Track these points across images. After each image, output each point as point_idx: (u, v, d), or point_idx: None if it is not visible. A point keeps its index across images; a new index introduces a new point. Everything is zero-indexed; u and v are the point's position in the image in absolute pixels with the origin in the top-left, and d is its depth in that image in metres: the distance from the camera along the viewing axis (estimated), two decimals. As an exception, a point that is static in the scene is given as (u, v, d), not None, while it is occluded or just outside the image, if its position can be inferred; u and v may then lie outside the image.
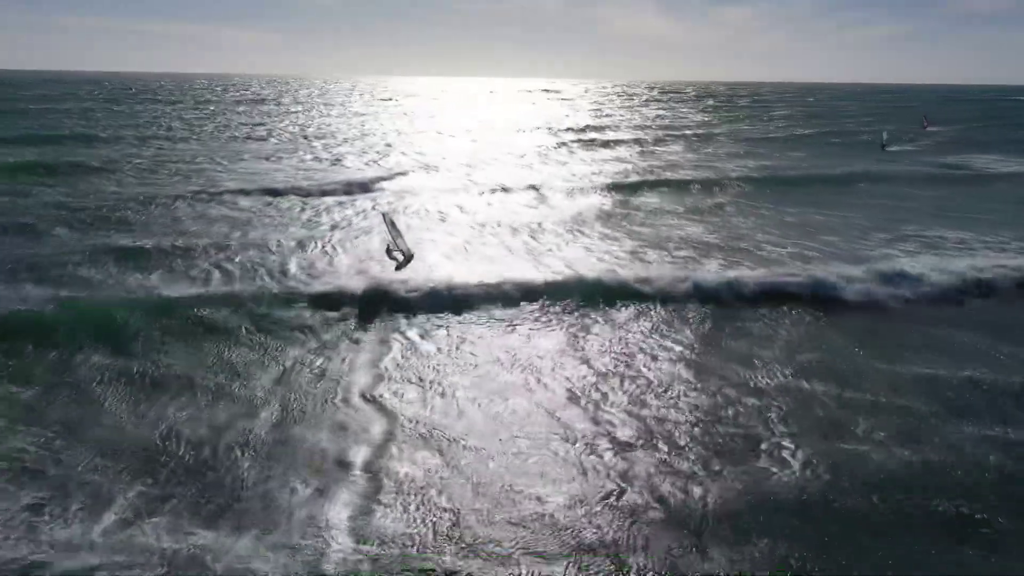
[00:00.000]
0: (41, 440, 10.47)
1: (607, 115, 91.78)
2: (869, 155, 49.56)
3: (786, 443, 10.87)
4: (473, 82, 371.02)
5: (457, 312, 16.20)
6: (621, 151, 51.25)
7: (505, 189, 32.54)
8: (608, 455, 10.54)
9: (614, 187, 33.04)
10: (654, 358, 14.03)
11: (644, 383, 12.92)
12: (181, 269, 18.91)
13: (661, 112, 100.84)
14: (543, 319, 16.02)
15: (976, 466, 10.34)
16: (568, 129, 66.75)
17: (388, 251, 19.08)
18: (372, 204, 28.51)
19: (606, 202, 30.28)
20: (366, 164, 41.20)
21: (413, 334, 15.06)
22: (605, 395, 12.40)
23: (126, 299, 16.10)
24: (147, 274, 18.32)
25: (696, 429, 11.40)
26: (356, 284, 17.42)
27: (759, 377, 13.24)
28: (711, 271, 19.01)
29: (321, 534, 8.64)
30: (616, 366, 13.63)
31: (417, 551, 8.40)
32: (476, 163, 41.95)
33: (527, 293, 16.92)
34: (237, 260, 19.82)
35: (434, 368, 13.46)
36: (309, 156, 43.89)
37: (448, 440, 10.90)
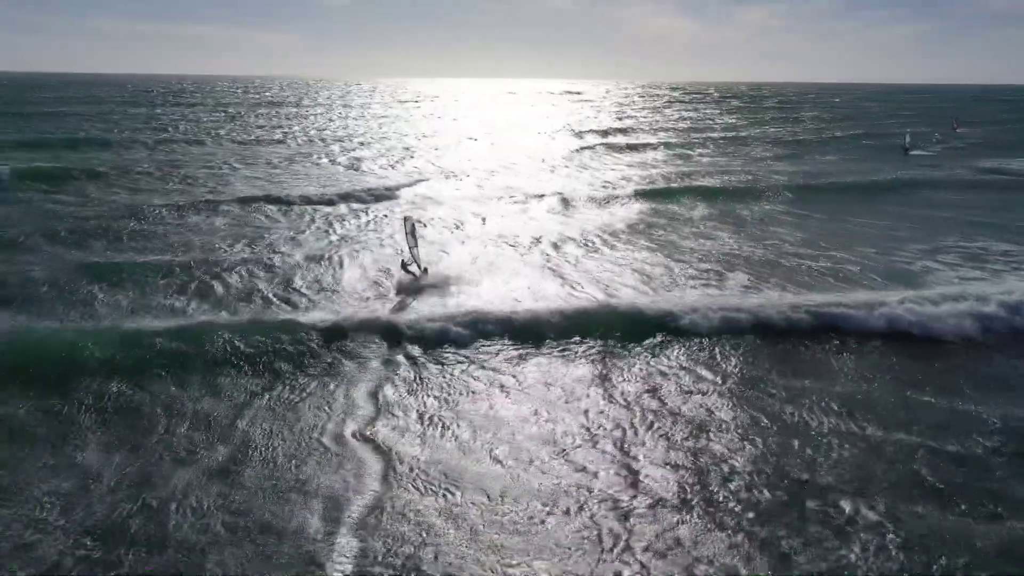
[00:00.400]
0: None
1: (630, 117, 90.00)
2: (892, 159, 47.68)
3: (874, 516, 9.06)
4: (493, 84, 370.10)
5: (466, 345, 14.30)
6: (648, 155, 49.52)
7: (530, 196, 30.90)
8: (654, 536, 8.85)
9: (644, 194, 31.27)
10: (700, 406, 12.07)
11: (685, 436, 11.09)
12: (162, 292, 17.19)
13: (685, 113, 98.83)
14: (569, 356, 14.07)
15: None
16: (592, 131, 65.04)
17: (403, 264, 18.33)
18: (384, 214, 27.03)
19: (636, 211, 28.51)
20: (384, 169, 39.86)
21: (415, 372, 13.22)
22: (638, 453, 10.59)
23: (89, 330, 14.36)
24: (126, 297, 16.73)
25: (754, 498, 9.57)
26: (359, 312, 15.69)
27: (830, 428, 11.41)
28: (757, 299, 16.97)
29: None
30: (656, 416, 11.69)
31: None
32: (498, 168, 40.44)
33: (551, 325, 15.09)
34: (229, 280, 18.19)
35: (440, 414, 11.63)
36: (325, 160, 42.75)
37: (450, 500, 9.34)
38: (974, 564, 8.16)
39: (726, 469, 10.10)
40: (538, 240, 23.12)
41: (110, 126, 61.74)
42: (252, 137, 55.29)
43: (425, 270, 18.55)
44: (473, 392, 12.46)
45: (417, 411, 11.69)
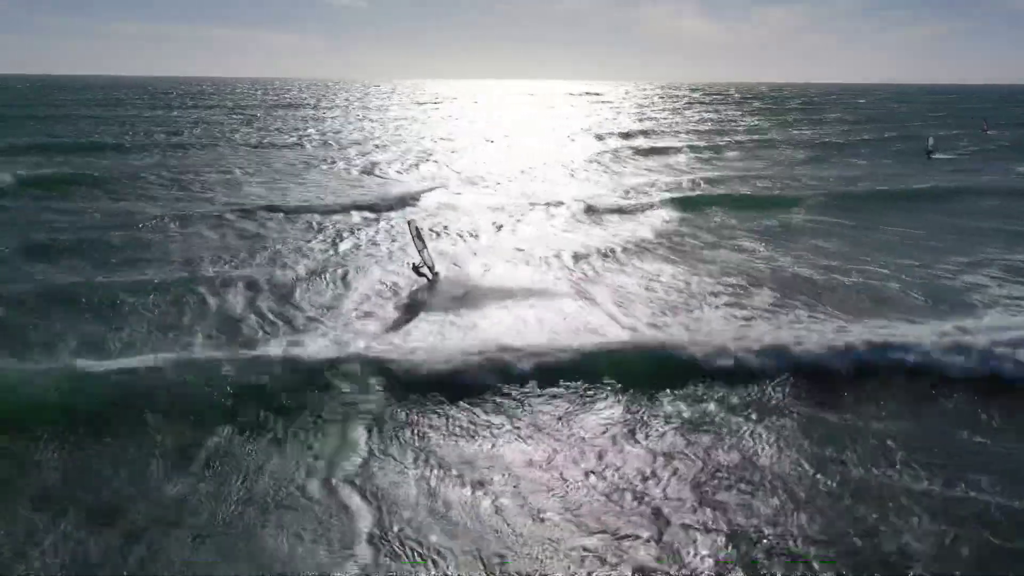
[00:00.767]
0: None
1: (651, 118, 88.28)
2: (915, 163, 45.80)
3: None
4: (512, 85, 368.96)
5: (474, 392, 12.31)
6: (674, 159, 47.85)
7: (551, 203, 29.34)
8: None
9: (670, 202, 29.59)
10: (750, 471, 10.31)
11: (734, 506, 9.47)
12: (135, 319, 15.46)
13: (708, 115, 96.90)
14: (590, 405, 12.15)
15: None
16: (615, 134, 63.36)
17: (415, 268, 17.83)
18: (394, 224, 25.54)
19: (662, 220, 26.89)
20: (399, 174, 38.54)
21: (411, 427, 11.31)
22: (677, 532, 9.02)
23: (40, 370, 12.41)
24: (95, 325, 15.00)
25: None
26: (354, 345, 13.72)
27: (902, 488, 9.83)
28: (811, 330, 14.89)
29: None
30: (698, 487, 9.88)
31: None
32: (518, 173, 38.93)
33: (570, 364, 13.16)
34: (209, 305, 16.44)
35: (436, 481, 9.91)
36: (340, 164, 41.51)
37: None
38: None
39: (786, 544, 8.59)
40: (558, 254, 21.53)
41: (125, 129, 61.14)
42: (267, 141, 54.31)
43: (436, 273, 18.19)
44: (476, 455, 10.60)
45: (412, 479, 9.95)
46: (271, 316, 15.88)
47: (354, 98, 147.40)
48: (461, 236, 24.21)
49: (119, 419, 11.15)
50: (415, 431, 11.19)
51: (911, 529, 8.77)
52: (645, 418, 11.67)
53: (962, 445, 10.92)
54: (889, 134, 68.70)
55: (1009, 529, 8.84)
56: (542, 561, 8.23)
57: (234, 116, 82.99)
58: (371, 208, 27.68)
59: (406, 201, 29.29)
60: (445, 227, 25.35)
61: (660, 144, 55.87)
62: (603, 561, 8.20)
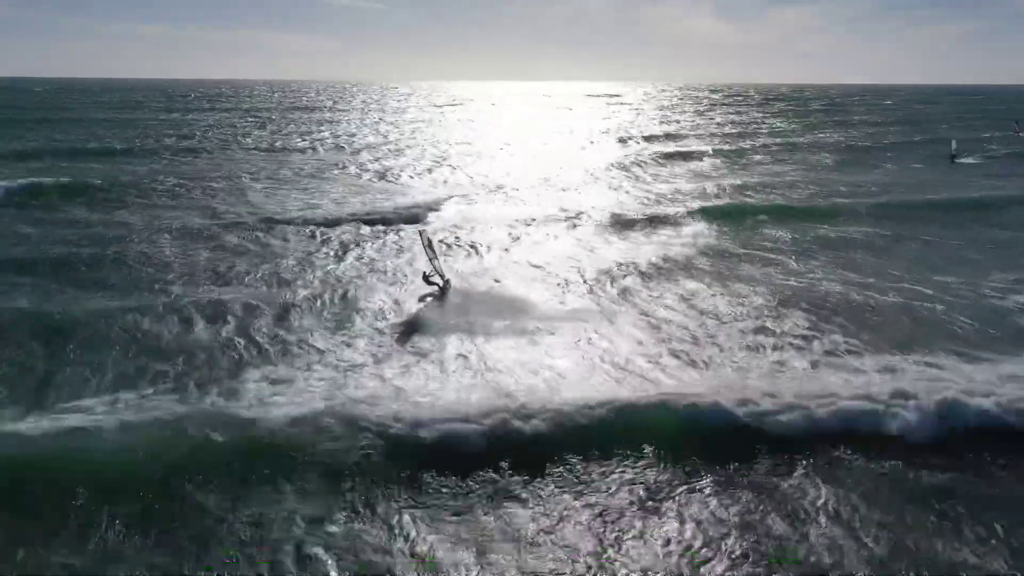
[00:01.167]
0: None
1: (674, 121, 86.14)
2: (939, 168, 43.56)
3: None
4: (529, 86, 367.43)
5: (474, 466, 10.28)
6: (703, 164, 45.75)
7: (575, 215, 27.45)
8: None
9: (701, 214, 27.63)
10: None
11: None
12: (93, 358, 13.52)
13: (732, 117, 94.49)
14: (613, 482, 10.12)
15: None
16: (637, 138, 61.30)
17: (426, 277, 17.50)
18: (400, 239, 23.82)
19: (692, 234, 24.97)
20: (413, 182, 36.80)
21: (396, 512, 9.32)
22: None
23: None
24: (46, 368, 13.17)
25: None
26: (340, 401, 11.59)
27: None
28: (846, 379, 12.84)
29: None
30: None
31: None
32: (539, 180, 37.00)
33: (592, 427, 11.15)
34: (175, 339, 14.53)
35: None
36: (353, 170, 39.92)
37: None
38: None
39: None
40: (581, 272, 19.77)
41: (137, 133, 60.09)
42: (279, 145, 52.92)
43: (447, 281, 17.94)
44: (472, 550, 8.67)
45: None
46: (245, 354, 14.00)
47: (370, 100, 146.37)
48: (477, 251, 22.48)
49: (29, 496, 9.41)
50: (398, 513, 9.30)
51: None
52: (677, 497, 9.81)
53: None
54: (919, 137, 66.14)
55: None
56: None
57: (248, 119, 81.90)
58: (382, 220, 25.81)
59: (418, 216, 27.16)
60: (460, 240, 23.66)
61: (685, 148, 53.82)
62: None
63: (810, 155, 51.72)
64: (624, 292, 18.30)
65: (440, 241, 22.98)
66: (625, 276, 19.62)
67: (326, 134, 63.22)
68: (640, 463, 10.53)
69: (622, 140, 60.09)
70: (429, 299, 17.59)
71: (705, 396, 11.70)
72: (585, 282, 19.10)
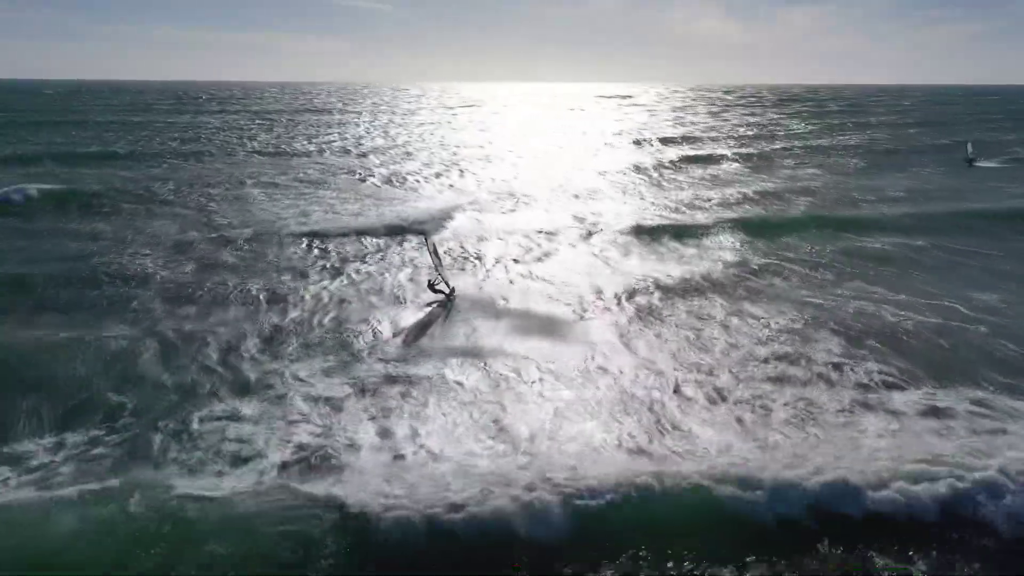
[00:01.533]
0: None
1: (690, 123, 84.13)
2: (956, 172, 41.61)
3: None
4: (540, 87, 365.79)
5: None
6: (724, 169, 43.97)
7: (592, 226, 25.77)
8: None
9: (729, 224, 25.90)
10: None
11: None
12: (36, 402, 11.88)
13: (749, 119, 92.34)
14: None
15: None
16: (655, 140, 59.49)
17: (431, 285, 17.14)
18: (401, 249, 22.54)
19: (719, 248, 23.30)
20: (421, 189, 35.27)
21: None
22: None
23: None
24: None
25: None
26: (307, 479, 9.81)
27: None
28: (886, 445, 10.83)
29: None
30: None
31: None
32: (554, 187, 35.27)
33: (618, 519, 8.99)
34: (128, 389, 12.51)
35: None
36: (358, 176, 38.41)
37: None
38: None
39: None
40: (600, 295, 18.07)
41: (143, 135, 59.11)
42: (286, 148, 51.48)
43: (453, 289, 17.57)
44: None
45: None
46: (209, 398, 12.28)
47: (381, 102, 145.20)
48: (488, 269, 20.83)
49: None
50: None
51: None
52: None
53: None
54: (946, 140, 63.97)
55: None
56: None
57: (257, 121, 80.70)
58: (386, 232, 24.27)
59: (425, 227, 25.15)
60: (468, 252, 22.13)
61: (705, 151, 52.06)
62: None
63: (832, 158, 49.90)
64: (643, 320, 16.65)
65: (446, 252, 21.64)
66: (644, 299, 17.99)
67: (335, 137, 61.83)
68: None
69: (637, 143, 58.36)
70: (435, 307, 16.86)
71: (756, 473, 9.69)
72: (602, 307, 17.36)
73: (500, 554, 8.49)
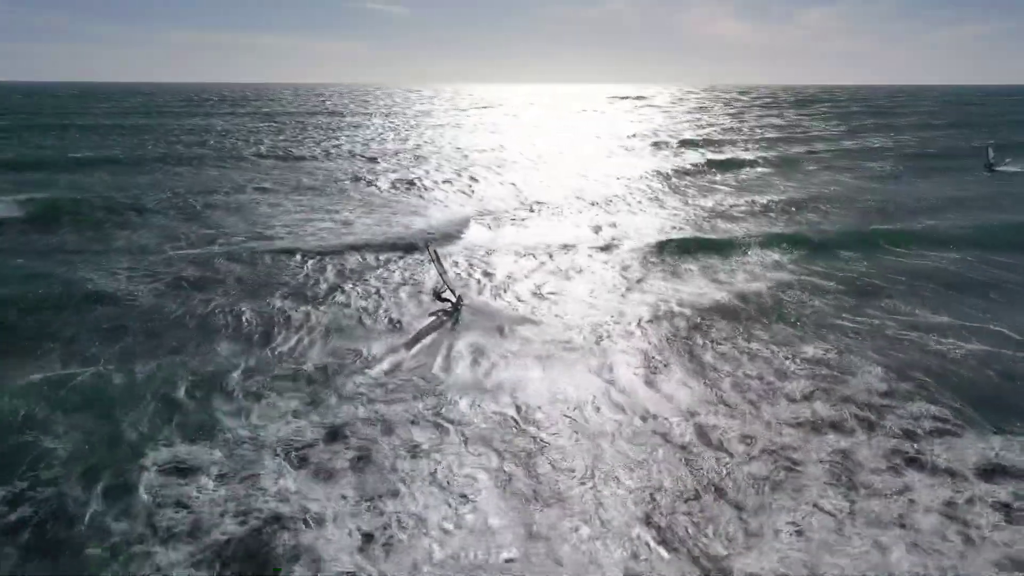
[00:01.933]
0: None
1: (710, 125, 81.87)
2: (975, 177, 39.27)
3: None
4: (554, 88, 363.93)
5: None
6: (753, 174, 41.80)
7: (614, 240, 23.70)
8: None
9: (762, 238, 23.78)
10: None
11: None
12: None
13: (769, 120, 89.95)
14: None
15: None
16: (675, 144, 57.31)
17: (436, 294, 16.78)
18: (406, 264, 20.73)
19: (756, 266, 21.23)
20: (433, 198, 33.37)
21: None
22: None
23: None
24: None
25: None
26: None
27: None
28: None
29: None
30: None
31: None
32: (572, 196, 33.23)
33: None
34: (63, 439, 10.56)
35: None
36: (365, 180, 36.59)
37: None
38: None
39: None
40: (624, 326, 15.97)
41: (149, 139, 57.71)
42: (292, 152, 49.69)
43: (460, 298, 16.90)
44: None
45: None
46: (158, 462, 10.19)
47: (393, 103, 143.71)
48: (498, 285, 18.91)
49: None
50: None
51: None
52: None
53: None
54: (978, 142, 61.51)
55: None
56: None
57: (268, 124, 79.20)
58: (391, 247, 22.22)
59: (433, 241, 22.75)
60: (479, 269, 20.21)
61: (727, 155, 49.83)
62: None
63: (862, 162, 47.59)
64: (664, 344, 14.98)
65: (453, 264, 20.23)
66: (665, 322, 16.31)
67: (344, 140, 60.17)
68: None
69: (656, 146, 56.25)
70: (442, 317, 16.32)
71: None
72: (626, 345, 15.13)
73: None
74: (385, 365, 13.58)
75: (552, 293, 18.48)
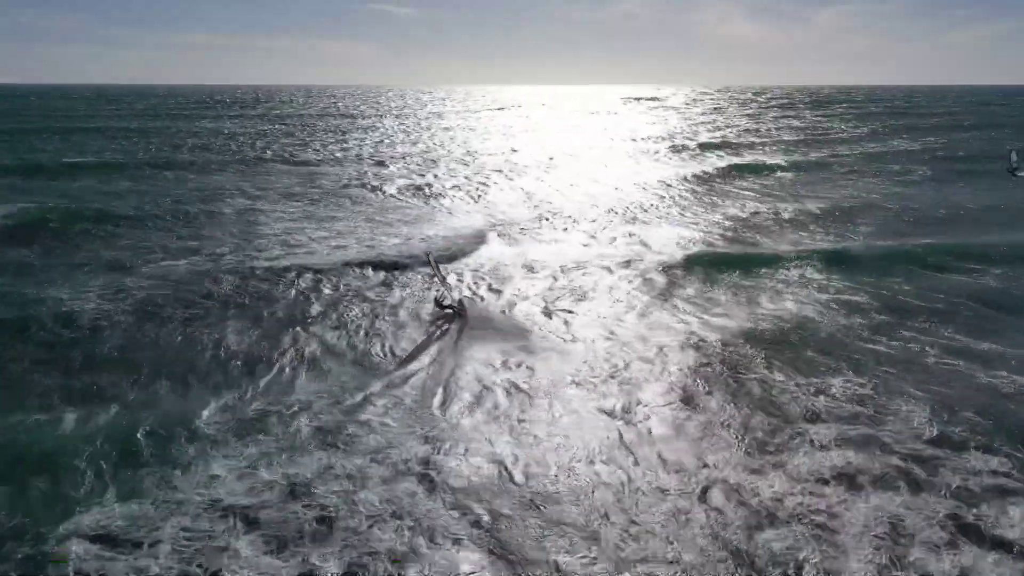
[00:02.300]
0: None
1: (729, 126, 79.96)
2: (998, 184, 37.18)
3: None
4: (566, 90, 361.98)
5: None
6: (776, 179, 39.97)
7: (635, 257, 21.87)
8: None
9: (793, 257, 21.86)
10: None
11: None
12: None
13: (788, 122, 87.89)
14: None
15: None
16: (695, 146, 55.42)
17: (438, 302, 16.57)
18: (404, 283, 19.22)
19: (798, 286, 19.38)
20: (444, 204, 31.94)
21: None
22: None
23: None
24: None
25: None
26: None
27: None
28: None
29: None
30: None
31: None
32: (588, 204, 31.54)
33: None
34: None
35: None
36: (368, 187, 35.22)
37: None
38: None
39: None
40: (648, 365, 14.04)
41: (153, 142, 56.65)
42: (301, 157, 48.34)
43: (462, 303, 16.60)
44: None
45: None
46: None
47: (405, 105, 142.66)
48: (507, 313, 17.19)
49: None
50: None
51: None
52: None
53: None
54: (1008, 146, 59.35)
55: None
56: None
57: (277, 126, 78.21)
58: (395, 266, 20.46)
59: (429, 252, 20.06)
60: (491, 288, 18.76)
61: (749, 159, 47.95)
62: None
63: (891, 166, 45.69)
64: (690, 375, 13.40)
65: (458, 279, 18.99)
66: (691, 351, 14.67)
67: (353, 144, 58.87)
68: None
69: (674, 149, 54.49)
70: (444, 325, 15.90)
71: None
72: (643, 365, 13.84)
73: None
74: (377, 406, 12.01)
75: (566, 311, 17.00)
